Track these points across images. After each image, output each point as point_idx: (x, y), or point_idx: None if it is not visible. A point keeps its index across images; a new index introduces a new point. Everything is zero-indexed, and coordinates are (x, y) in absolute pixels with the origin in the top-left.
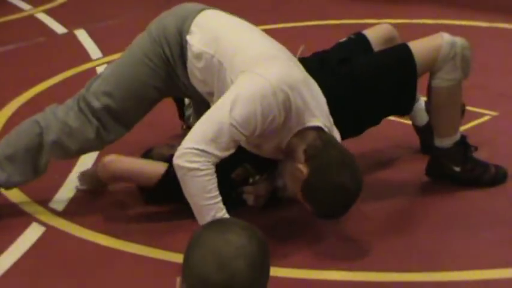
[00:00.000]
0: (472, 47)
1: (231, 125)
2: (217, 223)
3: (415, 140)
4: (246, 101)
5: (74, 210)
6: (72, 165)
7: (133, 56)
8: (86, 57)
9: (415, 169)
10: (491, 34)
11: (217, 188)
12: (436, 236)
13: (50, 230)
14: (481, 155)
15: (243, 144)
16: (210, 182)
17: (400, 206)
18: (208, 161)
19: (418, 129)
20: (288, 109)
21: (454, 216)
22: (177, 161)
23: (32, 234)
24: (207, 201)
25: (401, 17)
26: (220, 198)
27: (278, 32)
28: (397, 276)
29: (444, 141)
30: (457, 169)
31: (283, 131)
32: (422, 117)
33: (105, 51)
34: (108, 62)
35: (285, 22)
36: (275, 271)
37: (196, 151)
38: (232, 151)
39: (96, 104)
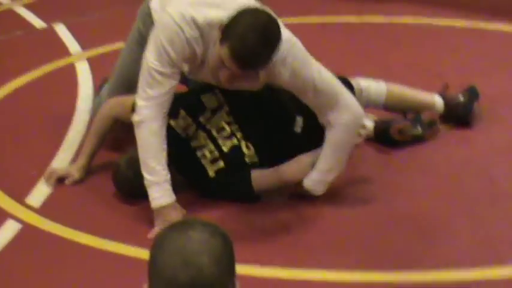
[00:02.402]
0: (454, 47)
1: (150, 67)
2: (178, 224)
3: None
4: (153, 38)
5: (51, 207)
6: (50, 159)
7: (127, 45)
8: (64, 51)
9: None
10: (471, 34)
11: (164, 141)
12: (417, 235)
13: (26, 227)
14: (461, 154)
15: (188, 75)
16: (157, 132)
17: (379, 205)
18: (155, 110)
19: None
20: (197, 27)
21: (433, 215)
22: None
23: (8, 231)
24: (151, 152)
25: (383, 15)
26: (164, 152)
27: None
28: (367, 276)
29: None
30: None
31: (208, 51)
32: None
33: (84, 46)
34: (87, 57)
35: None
36: (244, 269)
37: (141, 103)
38: (172, 83)
39: None
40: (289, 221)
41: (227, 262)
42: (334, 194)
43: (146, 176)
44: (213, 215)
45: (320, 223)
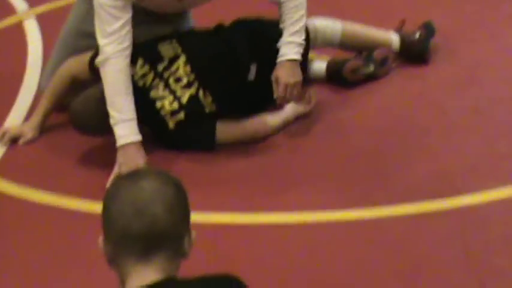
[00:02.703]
0: None
1: (102, 3)
2: (130, 174)
3: None
4: None
5: (5, 167)
6: (2, 120)
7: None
8: (11, 9)
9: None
10: None
11: (129, 78)
12: (372, 171)
13: None
14: (413, 87)
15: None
16: (122, 69)
17: (334, 143)
18: (117, 45)
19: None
20: None
21: (388, 151)
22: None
23: None
24: (119, 89)
25: None
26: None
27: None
28: (322, 216)
29: None
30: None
31: None
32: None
33: (31, 3)
34: (35, 14)
35: None
36: (199, 217)
37: (102, 42)
38: (127, 16)
39: None
40: (247, 168)
41: (181, 210)
42: (289, 133)
43: (114, 113)
44: (173, 166)
45: (276, 165)
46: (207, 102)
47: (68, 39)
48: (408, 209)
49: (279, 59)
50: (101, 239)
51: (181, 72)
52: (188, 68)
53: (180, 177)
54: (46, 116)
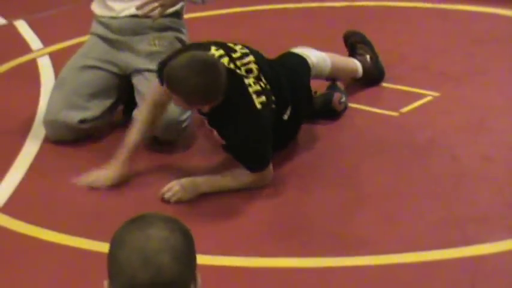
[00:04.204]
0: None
1: None
2: (137, 220)
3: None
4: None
5: (14, 205)
6: (15, 155)
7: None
8: (26, 48)
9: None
10: (432, 15)
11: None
12: (381, 214)
13: None
14: (424, 135)
15: None
16: None
17: (341, 188)
18: None
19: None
20: None
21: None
22: None
23: None
24: None
25: (344, 0)
26: None
27: (224, 17)
28: (331, 262)
29: None
30: None
31: None
32: None
33: (46, 42)
34: (49, 52)
35: (230, 7)
36: (204, 260)
37: None
38: None
39: None
40: (247, 210)
41: (188, 259)
42: (298, 175)
43: None
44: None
45: (279, 209)
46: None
47: (67, 73)
48: (418, 257)
49: None
50: (106, 283)
51: (252, 66)
52: (256, 66)
53: (188, 216)
54: (135, 148)
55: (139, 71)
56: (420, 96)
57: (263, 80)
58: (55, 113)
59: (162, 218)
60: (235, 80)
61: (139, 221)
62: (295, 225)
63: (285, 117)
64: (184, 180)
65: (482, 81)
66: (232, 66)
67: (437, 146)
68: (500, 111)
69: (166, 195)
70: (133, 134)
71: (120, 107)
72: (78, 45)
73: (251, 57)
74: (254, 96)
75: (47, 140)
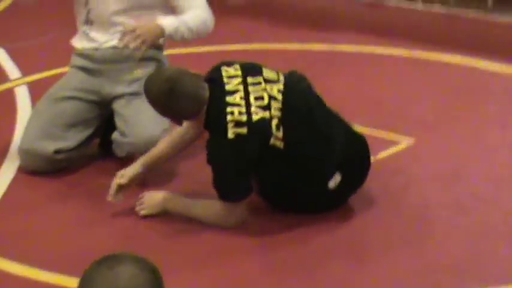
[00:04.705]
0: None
1: None
2: (106, 259)
3: None
4: None
5: None
6: None
7: None
8: (4, 77)
9: None
10: (409, 62)
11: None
12: (354, 262)
13: None
14: (398, 182)
15: None
16: None
17: (317, 233)
18: None
19: None
20: None
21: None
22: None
23: None
24: None
25: (324, 43)
26: None
27: (203, 56)
28: None
29: None
30: None
31: None
32: None
33: (24, 71)
34: (27, 83)
35: (209, 45)
36: None
37: None
38: None
39: None
40: (221, 250)
41: None
42: (267, 222)
43: None
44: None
45: (254, 252)
46: (277, 134)
47: (44, 103)
48: None
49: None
50: None
51: (266, 93)
52: (279, 97)
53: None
54: (159, 158)
55: (121, 96)
56: (396, 142)
57: (277, 106)
58: (30, 142)
59: (131, 257)
60: (216, 103)
61: (107, 260)
62: (265, 267)
63: (331, 184)
64: (154, 194)
65: (457, 130)
66: (238, 88)
67: (410, 194)
68: (474, 161)
69: (137, 208)
70: (160, 143)
71: (96, 140)
72: (57, 76)
73: (278, 86)
74: (229, 125)
75: (21, 170)
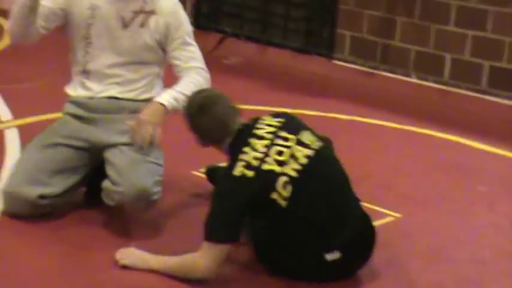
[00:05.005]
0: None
1: None
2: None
3: None
4: None
5: None
6: None
7: None
8: None
9: None
10: (400, 135)
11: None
12: None
13: None
14: (382, 256)
15: None
16: None
17: None
18: None
19: None
20: None
21: None
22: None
23: None
24: None
25: (317, 110)
26: None
27: None
28: None
29: None
30: None
31: None
32: None
33: (16, 114)
34: (17, 125)
35: None
36: None
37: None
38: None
39: None
40: None
41: None
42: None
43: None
44: None
45: None
46: (282, 191)
47: (33, 148)
48: None
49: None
50: None
51: (291, 152)
52: (303, 160)
53: None
54: None
55: (113, 145)
56: (382, 215)
57: (295, 168)
58: (15, 186)
59: None
60: (239, 140)
61: None
62: None
63: (327, 257)
64: (135, 251)
65: (444, 208)
66: (267, 136)
67: (394, 269)
68: (459, 241)
69: (117, 257)
70: None
71: (83, 189)
72: (49, 121)
73: (307, 152)
74: (240, 163)
75: (5, 213)
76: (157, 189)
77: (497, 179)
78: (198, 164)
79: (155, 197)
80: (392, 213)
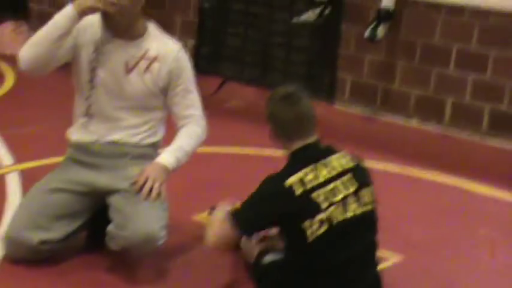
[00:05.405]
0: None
1: None
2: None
3: None
4: None
5: None
6: None
7: None
8: None
9: None
10: (402, 179)
11: None
12: None
13: None
14: None
15: None
16: None
17: None
18: None
19: None
20: None
21: None
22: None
23: None
24: None
25: None
26: None
27: (197, 156)
28: None
29: None
30: None
31: None
32: None
33: (18, 158)
34: (19, 170)
35: (205, 146)
36: None
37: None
38: None
39: None
40: None
41: None
42: None
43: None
44: None
45: None
46: (315, 226)
47: (35, 193)
48: None
49: (155, 160)
50: None
51: (344, 199)
52: (350, 214)
53: None
54: None
55: (117, 191)
56: (384, 258)
57: (334, 217)
58: (16, 231)
59: None
60: (305, 154)
61: None
62: None
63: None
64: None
65: (446, 252)
66: (329, 163)
67: None
68: (462, 285)
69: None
70: None
71: (84, 232)
72: (51, 165)
73: (355, 199)
74: (296, 175)
75: (6, 258)
76: (163, 233)
77: (499, 224)
78: (198, 209)
79: (161, 241)
80: (395, 256)
